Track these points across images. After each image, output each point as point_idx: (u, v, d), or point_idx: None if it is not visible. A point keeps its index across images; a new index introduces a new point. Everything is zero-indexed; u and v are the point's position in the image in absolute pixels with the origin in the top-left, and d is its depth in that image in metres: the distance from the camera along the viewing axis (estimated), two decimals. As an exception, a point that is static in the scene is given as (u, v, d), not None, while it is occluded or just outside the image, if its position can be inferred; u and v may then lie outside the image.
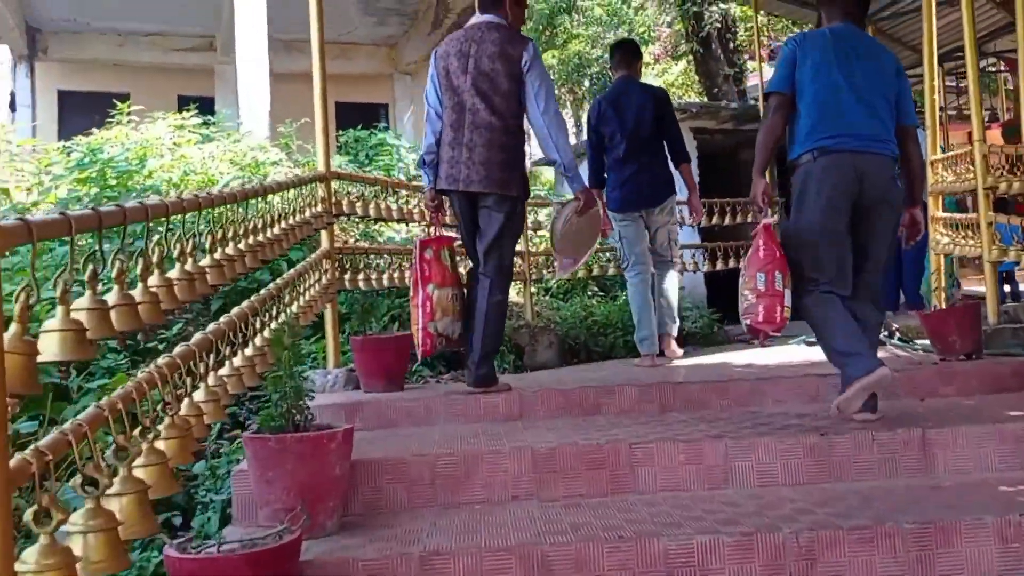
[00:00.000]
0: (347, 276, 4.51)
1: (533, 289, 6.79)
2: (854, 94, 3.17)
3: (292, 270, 3.64)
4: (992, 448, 2.95)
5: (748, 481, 2.94)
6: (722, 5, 12.18)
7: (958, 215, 5.04)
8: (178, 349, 2.21)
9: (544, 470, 2.91)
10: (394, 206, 4.83)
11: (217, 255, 2.43)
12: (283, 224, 3.23)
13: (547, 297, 7.68)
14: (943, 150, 8.49)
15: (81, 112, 12.53)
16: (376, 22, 12.89)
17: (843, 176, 3.13)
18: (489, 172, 3.66)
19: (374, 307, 4.84)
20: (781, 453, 2.97)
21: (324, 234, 4.33)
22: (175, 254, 2.14)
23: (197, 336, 2.38)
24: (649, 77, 17.45)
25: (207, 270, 2.28)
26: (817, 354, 4.46)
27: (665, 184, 5.04)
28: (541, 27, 18.53)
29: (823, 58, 3.21)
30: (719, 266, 7.65)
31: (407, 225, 6.23)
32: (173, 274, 2.11)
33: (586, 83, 18.56)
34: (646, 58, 17.64)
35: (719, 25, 12.27)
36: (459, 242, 4.02)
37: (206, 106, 11.24)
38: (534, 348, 5.96)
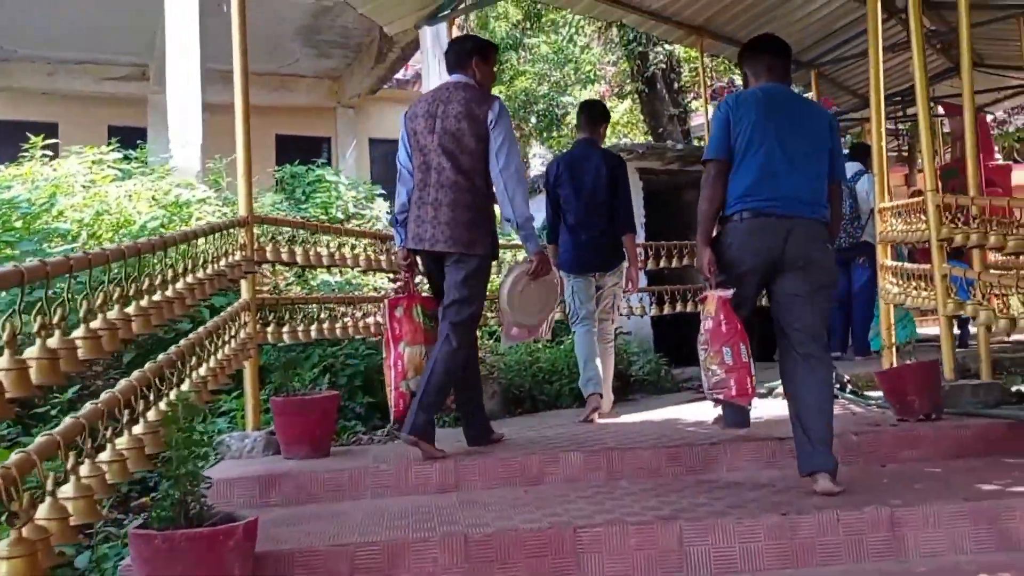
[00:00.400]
0: (270, 329, 4.15)
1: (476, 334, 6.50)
2: (788, 157, 3.18)
3: (201, 328, 3.27)
4: (966, 529, 2.72)
5: (705, 567, 2.67)
6: (667, 46, 12.17)
7: (910, 265, 4.89)
8: (38, 440, 1.85)
9: (478, 559, 2.59)
10: (325, 251, 4.49)
11: (96, 323, 2.07)
12: (189, 279, 2.88)
13: (491, 341, 7.37)
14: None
15: (8, 143, 11.93)
16: (318, 54, 12.61)
17: (768, 240, 3.15)
18: (454, 232, 3.61)
19: (297, 362, 4.47)
20: (740, 535, 2.70)
21: (244, 283, 3.98)
22: (34, 327, 1.79)
23: (66, 421, 2.01)
24: (595, 115, 17.46)
25: (77, 344, 1.93)
26: (769, 411, 4.26)
27: (617, 250, 4.93)
28: (487, 63, 18.47)
29: (757, 120, 3.21)
30: (666, 310, 7.45)
31: (340, 271, 5.90)
32: (32, 352, 1.76)
33: (532, 119, 18.50)
34: (591, 95, 17.64)
35: (664, 66, 12.26)
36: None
37: (138, 137, 10.80)
38: (475, 400, 5.65)
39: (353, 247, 4.79)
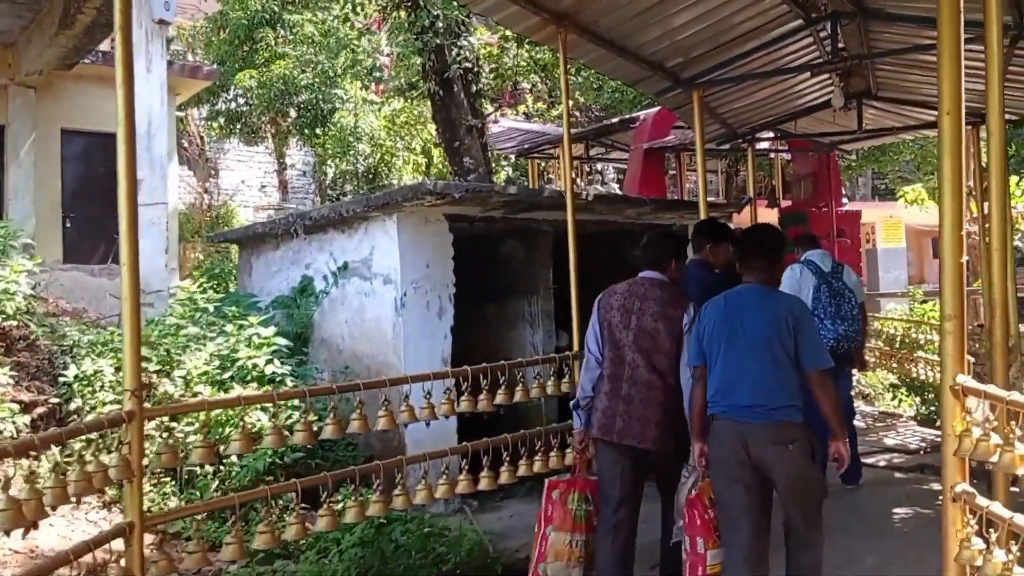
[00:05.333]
0: None
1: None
2: (739, 366, 3.37)
3: None
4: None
5: None
6: (472, 40, 9.58)
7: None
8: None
9: None
10: None
11: None
12: None
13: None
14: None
15: None
16: (-26, 7, 8.66)
17: (729, 443, 3.38)
18: (644, 428, 3.68)
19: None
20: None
21: None
22: None
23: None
24: (371, 115, 14.50)
25: None
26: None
27: None
28: (238, 40, 14.92)
29: (716, 331, 3.45)
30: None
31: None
32: None
33: (292, 113, 15.20)
34: (367, 95, 14.66)
35: (469, 64, 9.65)
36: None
37: None
38: None
39: None
